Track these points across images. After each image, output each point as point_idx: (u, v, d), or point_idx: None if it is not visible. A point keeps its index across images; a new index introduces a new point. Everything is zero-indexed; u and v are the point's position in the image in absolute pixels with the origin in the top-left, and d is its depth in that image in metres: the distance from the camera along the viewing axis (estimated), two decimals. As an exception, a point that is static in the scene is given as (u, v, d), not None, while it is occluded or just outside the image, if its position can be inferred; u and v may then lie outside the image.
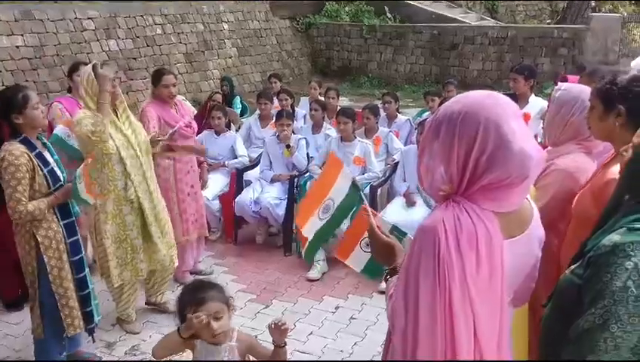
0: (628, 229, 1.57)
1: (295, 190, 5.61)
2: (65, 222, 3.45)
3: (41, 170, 3.28)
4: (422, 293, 1.48)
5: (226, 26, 13.26)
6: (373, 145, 5.72)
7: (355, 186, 2.32)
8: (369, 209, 2.13)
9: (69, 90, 5.00)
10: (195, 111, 6.71)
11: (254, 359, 2.64)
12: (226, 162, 5.99)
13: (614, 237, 1.56)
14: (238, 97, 8.29)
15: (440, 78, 12.83)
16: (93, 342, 3.84)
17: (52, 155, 3.46)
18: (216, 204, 5.77)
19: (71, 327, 3.50)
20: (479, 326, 1.48)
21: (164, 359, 2.63)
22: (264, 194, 5.55)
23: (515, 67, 6.03)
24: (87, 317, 3.60)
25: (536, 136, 4.40)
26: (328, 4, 15.78)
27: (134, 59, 10.95)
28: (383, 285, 4.25)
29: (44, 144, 3.46)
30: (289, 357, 3.89)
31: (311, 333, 4.23)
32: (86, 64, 5.00)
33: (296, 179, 5.66)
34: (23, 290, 3.60)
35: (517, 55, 13.06)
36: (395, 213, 4.98)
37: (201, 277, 4.79)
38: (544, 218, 1.77)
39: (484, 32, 13.75)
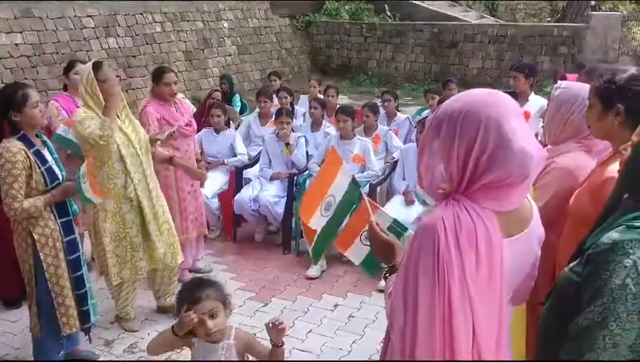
0: (627, 227, 1.57)
1: (294, 188, 5.61)
2: (62, 220, 3.44)
3: (39, 168, 3.27)
4: (421, 292, 1.48)
5: (225, 24, 13.25)
6: (372, 143, 5.72)
7: (354, 183, 2.31)
8: (370, 201, 2.13)
9: (65, 88, 4.98)
10: (195, 109, 6.71)
11: (253, 357, 2.64)
12: (226, 160, 5.99)
13: (613, 235, 1.56)
14: (237, 95, 8.28)
15: (440, 77, 12.83)
16: (90, 342, 3.84)
17: (51, 154, 3.46)
18: (215, 202, 5.77)
19: (66, 326, 3.50)
20: (478, 325, 1.48)
21: (164, 357, 2.62)
22: (263, 192, 5.55)
23: (516, 65, 6.03)
24: (84, 317, 3.58)
25: (536, 135, 4.40)
26: (328, 3, 15.78)
27: (134, 57, 10.94)
28: (382, 283, 4.25)
29: (43, 142, 3.46)
30: (288, 355, 3.90)
31: (310, 331, 4.23)
32: (82, 62, 5.02)
33: (295, 177, 5.66)
34: (23, 288, 3.60)
35: (517, 53, 13.06)
36: (394, 211, 4.97)
37: (199, 275, 4.79)
38: (544, 216, 1.77)
39: (484, 31, 13.75)
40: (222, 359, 2.52)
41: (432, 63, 14.18)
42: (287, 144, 5.66)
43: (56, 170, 3.41)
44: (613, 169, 2.08)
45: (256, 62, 13.75)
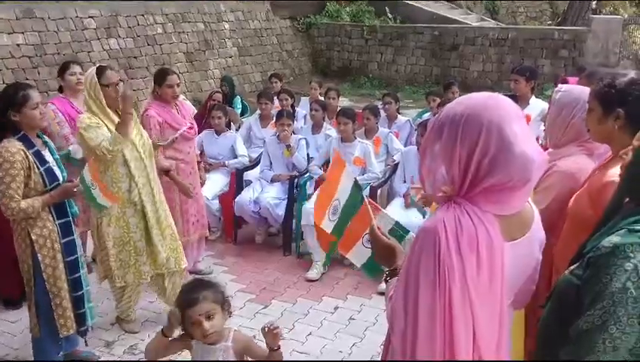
0: (628, 231, 1.57)
1: (295, 190, 5.61)
2: (60, 221, 3.44)
3: (38, 169, 3.27)
4: (422, 295, 1.48)
5: (226, 26, 13.25)
6: (373, 145, 5.72)
7: (357, 186, 2.32)
8: (373, 203, 2.13)
9: (61, 90, 4.95)
10: (196, 111, 6.72)
11: (251, 359, 2.63)
12: (226, 162, 5.99)
13: (614, 239, 1.57)
14: (238, 97, 8.29)
15: (440, 79, 12.83)
16: (86, 345, 3.84)
17: (52, 154, 3.46)
18: (215, 204, 5.77)
19: (64, 328, 3.49)
20: (479, 329, 1.48)
21: (164, 358, 2.63)
22: (264, 194, 5.55)
23: (516, 68, 6.03)
24: (80, 319, 3.57)
25: (537, 138, 4.40)
26: (329, 5, 15.77)
27: (135, 58, 10.94)
28: (383, 286, 4.26)
29: (45, 143, 3.46)
30: (288, 357, 3.90)
31: (310, 334, 4.23)
32: (78, 63, 5.01)
33: (296, 180, 5.66)
34: (23, 288, 3.60)
35: (517, 56, 13.05)
36: (394, 213, 4.97)
37: (200, 276, 4.79)
38: (545, 220, 1.77)
39: (484, 34, 13.75)
40: (220, 360, 2.52)
41: (433, 66, 14.18)
42: (288, 146, 5.66)
43: (57, 171, 3.41)
44: (614, 173, 2.08)
45: (257, 64, 13.75)
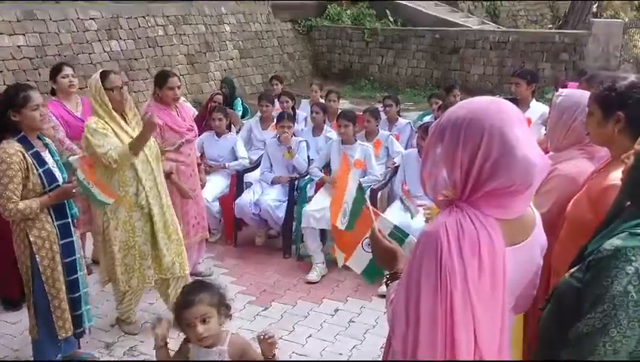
0: (630, 234, 1.57)
1: (295, 192, 5.61)
2: (59, 223, 3.43)
3: (36, 170, 3.27)
4: (423, 299, 1.48)
5: (227, 28, 13.27)
6: (373, 148, 5.72)
7: (360, 189, 2.33)
8: (372, 208, 2.14)
9: (53, 93, 4.92)
10: (196, 113, 6.71)
11: None
12: (227, 164, 5.99)
13: (616, 242, 1.56)
14: (239, 99, 8.29)
15: (441, 82, 12.84)
16: (79, 347, 3.84)
17: (52, 156, 3.46)
18: (216, 206, 5.77)
19: (62, 330, 3.49)
20: (480, 333, 1.48)
21: (163, 359, 2.62)
22: (264, 197, 5.56)
23: (517, 71, 6.03)
24: (76, 321, 3.57)
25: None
26: (330, 7, 15.79)
27: (136, 60, 10.95)
28: (383, 288, 4.25)
29: (45, 144, 3.46)
30: (288, 359, 3.90)
31: (310, 336, 4.22)
32: (70, 65, 5.01)
33: (296, 182, 5.66)
34: (22, 289, 3.60)
35: (518, 60, 13.06)
36: (394, 216, 4.97)
37: (200, 278, 4.78)
38: (546, 223, 1.77)
39: (485, 37, 13.77)
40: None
41: (434, 69, 14.20)
42: (289, 148, 5.66)
43: (56, 173, 3.40)
44: (615, 176, 2.08)
45: (257, 67, 13.76)
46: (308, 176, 5.68)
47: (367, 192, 5.22)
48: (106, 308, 4.49)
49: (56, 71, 4.86)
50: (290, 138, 5.66)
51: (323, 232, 5.33)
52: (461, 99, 1.71)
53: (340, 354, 4.02)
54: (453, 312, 1.45)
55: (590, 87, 3.17)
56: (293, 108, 7.08)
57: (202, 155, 5.86)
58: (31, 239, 3.35)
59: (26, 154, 3.25)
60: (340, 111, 6.07)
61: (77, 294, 3.55)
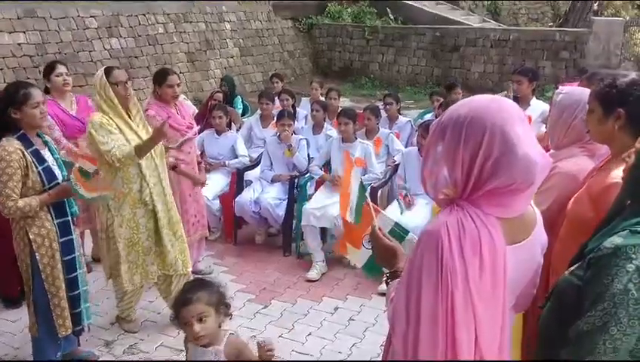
0: (630, 232, 1.57)
1: (295, 190, 5.61)
2: (59, 220, 3.43)
3: (36, 168, 3.27)
4: (424, 298, 1.48)
5: (228, 26, 13.26)
6: (373, 146, 5.72)
7: (362, 187, 2.33)
8: (372, 205, 2.14)
9: (47, 92, 4.88)
10: (196, 111, 6.71)
11: None
12: (227, 162, 5.98)
13: (616, 240, 1.56)
14: (239, 97, 8.28)
15: (441, 80, 12.83)
16: (79, 345, 3.84)
17: (52, 154, 3.46)
18: (216, 204, 5.77)
19: (62, 328, 3.48)
20: (481, 332, 1.48)
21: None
22: (264, 195, 5.55)
23: (518, 69, 6.03)
24: (75, 319, 3.56)
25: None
26: (330, 5, 15.79)
27: (136, 57, 10.95)
28: (383, 287, 4.25)
29: (45, 142, 3.46)
30: (288, 357, 3.90)
31: (310, 334, 4.22)
32: (63, 63, 4.99)
33: (296, 180, 5.65)
34: (22, 287, 3.60)
35: (519, 58, 13.06)
36: (394, 214, 4.97)
37: (200, 276, 4.79)
38: (546, 221, 1.77)
39: (486, 35, 13.75)
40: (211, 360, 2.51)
41: (434, 67, 14.19)
42: (289, 146, 5.65)
43: (56, 171, 3.40)
44: (616, 175, 2.08)
45: (258, 64, 13.76)
46: (308, 174, 5.67)
47: (368, 190, 5.21)
48: (106, 306, 4.50)
49: (49, 69, 4.81)
50: (290, 136, 5.66)
51: (323, 230, 5.33)
52: (463, 98, 1.70)
53: (340, 352, 4.01)
54: (454, 311, 1.45)
55: (591, 85, 3.17)
56: (293, 106, 7.08)
57: (202, 153, 5.86)
58: (31, 237, 3.34)
59: (26, 152, 3.24)
60: (340, 109, 6.07)
61: (76, 292, 3.55)
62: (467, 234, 1.48)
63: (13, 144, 3.21)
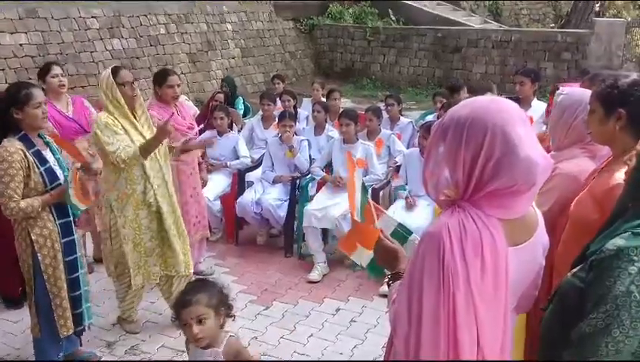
0: (632, 234, 1.56)
1: (297, 191, 5.60)
2: (61, 221, 3.43)
3: (37, 168, 3.27)
4: (425, 299, 1.48)
5: (229, 27, 13.27)
6: (375, 147, 5.72)
7: (364, 188, 2.33)
8: (375, 206, 2.13)
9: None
10: (198, 111, 6.71)
11: None
12: (228, 163, 5.99)
13: (618, 242, 1.56)
14: (240, 98, 8.28)
15: (443, 81, 12.83)
16: (80, 345, 3.84)
17: (54, 154, 3.46)
18: (217, 205, 5.77)
19: (64, 328, 3.48)
20: (483, 334, 1.48)
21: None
22: (266, 196, 5.55)
23: (520, 70, 6.04)
24: (77, 319, 3.56)
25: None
26: (332, 6, 15.79)
27: (138, 58, 10.97)
28: (384, 288, 4.24)
29: (46, 143, 3.46)
30: (289, 358, 3.89)
31: (311, 335, 4.22)
32: (58, 64, 4.97)
33: (298, 181, 5.65)
34: (24, 287, 3.60)
35: (520, 59, 13.05)
36: (396, 215, 4.97)
37: (201, 277, 4.78)
38: (547, 222, 1.76)
39: (487, 36, 13.75)
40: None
41: (436, 68, 14.19)
42: (291, 147, 5.65)
43: (58, 171, 3.40)
44: (621, 176, 2.08)
45: (259, 65, 13.76)
46: (309, 176, 5.67)
47: (369, 191, 5.21)
48: (107, 307, 4.50)
49: (45, 71, 4.76)
50: (291, 137, 5.65)
51: (324, 231, 5.33)
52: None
53: (341, 353, 4.01)
54: (456, 313, 1.45)
55: (592, 86, 3.16)
56: (294, 107, 7.08)
57: (204, 154, 5.85)
58: (33, 238, 3.35)
59: (27, 153, 3.24)
60: (341, 110, 6.07)
61: (78, 292, 3.55)
62: (469, 236, 1.47)
63: (14, 145, 3.21)
